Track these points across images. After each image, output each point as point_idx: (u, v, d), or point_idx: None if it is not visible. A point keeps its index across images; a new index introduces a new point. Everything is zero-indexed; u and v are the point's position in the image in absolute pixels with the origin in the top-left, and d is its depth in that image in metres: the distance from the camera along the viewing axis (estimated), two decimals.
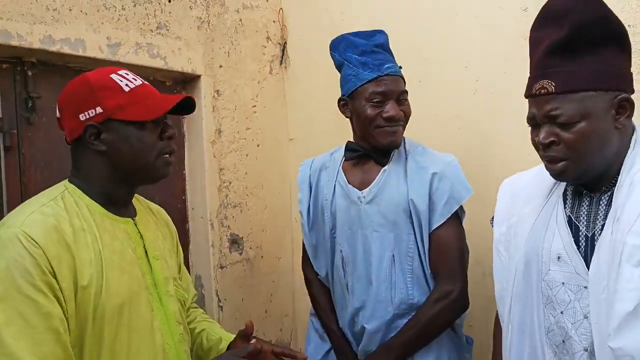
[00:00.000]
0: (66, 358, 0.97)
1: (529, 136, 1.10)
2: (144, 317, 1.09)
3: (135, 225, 1.16)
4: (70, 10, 1.66)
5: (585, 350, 1.01)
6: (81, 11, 1.69)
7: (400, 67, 1.57)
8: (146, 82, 1.15)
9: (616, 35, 1.00)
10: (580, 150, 0.99)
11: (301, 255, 1.78)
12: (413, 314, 1.48)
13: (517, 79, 1.69)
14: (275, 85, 2.41)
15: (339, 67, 1.62)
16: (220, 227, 2.14)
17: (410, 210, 1.48)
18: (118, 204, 1.14)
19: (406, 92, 1.54)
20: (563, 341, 1.04)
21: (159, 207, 1.35)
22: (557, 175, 1.05)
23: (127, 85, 1.09)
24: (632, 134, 1.03)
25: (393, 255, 1.49)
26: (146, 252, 1.15)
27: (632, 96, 1.04)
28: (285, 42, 2.44)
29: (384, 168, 1.55)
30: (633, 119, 1.06)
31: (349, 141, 1.63)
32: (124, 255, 1.09)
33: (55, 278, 0.97)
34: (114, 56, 1.77)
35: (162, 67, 1.93)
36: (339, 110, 1.62)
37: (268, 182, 2.33)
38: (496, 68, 1.82)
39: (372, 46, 1.52)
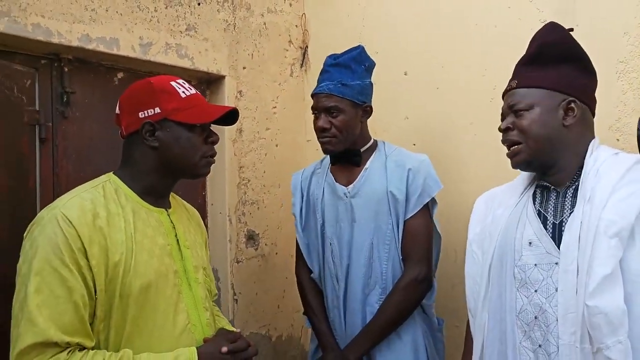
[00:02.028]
0: (83, 330, 1.06)
1: None
2: (169, 298, 1.18)
3: (169, 216, 1.26)
4: (107, 10, 1.74)
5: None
6: (117, 12, 1.77)
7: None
8: (198, 92, 1.28)
9: (574, 56, 1.24)
10: (529, 134, 1.20)
11: (295, 260, 1.91)
12: (381, 290, 1.66)
13: None
14: (295, 87, 2.48)
15: None
16: (238, 223, 2.22)
17: (389, 201, 1.66)
18: (156, 195, 1.25)
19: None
20: (536, 317, 1.17)
21: (193, 208, 1.46)
22: (512, 157, 1.25)
23: (183, 92, 1.23)
24: (590, 141, 1.23)
25: (372, 243, 1.67)
26: (177, 240, 1.24)
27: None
28: (307, 46, 2.51)
29: (365, 166, 1.74)
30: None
31: None
32: (155, 240, 1.18)
33: (86, 256, 1.07)
34: (145, 55, 1.85)
35: (189, 67, 2.01)
36: None
37: (285, 181, 2.39)
38: None
39: (327, 65, 1.73)
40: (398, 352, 1.64)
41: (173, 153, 1.21)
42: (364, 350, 1.62)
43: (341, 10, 2.39)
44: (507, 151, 1.28)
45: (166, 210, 1.27)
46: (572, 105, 1.20)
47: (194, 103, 1.24)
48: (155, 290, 1.14)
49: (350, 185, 1.73)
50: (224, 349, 1.17)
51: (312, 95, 1.72)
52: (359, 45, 1.80)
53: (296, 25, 2.48)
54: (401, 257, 1.68)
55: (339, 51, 2.29)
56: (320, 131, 1.68)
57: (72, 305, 1.04)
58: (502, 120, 1.29)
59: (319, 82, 1.73)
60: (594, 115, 1.27)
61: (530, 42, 1.30)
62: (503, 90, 1.88)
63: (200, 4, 2.05)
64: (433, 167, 1.74)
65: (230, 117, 1.30)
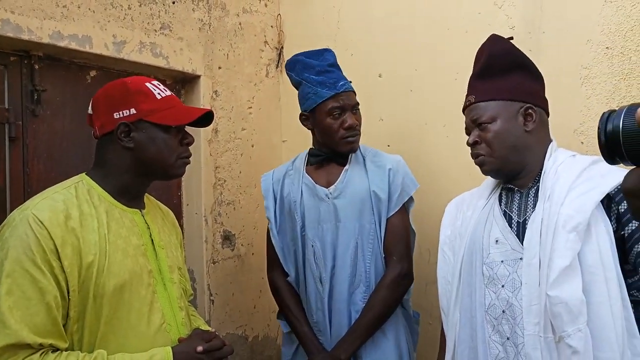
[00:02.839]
0: (55, 332, 1.05)
1: None
2: (144, 298, 1.17)
3: (143, 216, 1.26)
4: (79, 7, 1.71)
5: None
6: (89, 9, 1.75)
7: (350, 82, 1.77)
8: (173, 94, 1.28)
9: (521, 64, 1.32)
10: (495, 145, 1.27)
11: (267, 262, 1.90)
12: (365, 288, 1.69)
13: None
14: (270, 88, 2.48)
15: (296, 85, 1.83)
16: (214, 223, 2.21)
17: (371, 201, 1.71)
18: (130, 195, 1.24)
19: (358, 103, 1.76)
20: (503, 311, 1.23)
21: (168, 208, 1.45)
22: (481, 166, 1.33)
23: (159, 93, 1.23)
24: (549, 144, 1.30)
25: (357, 242, 1.70)
26: (152, 240, 1.24)
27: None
28: (282, 47, 2.52)
29: (345, 168, 1.77)
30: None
31: (311, 148, 1.85)
32: (129, 240, 1.18)
33: (58, 257, 1.06)
34: (118, 54, 1.83)
35: (164, 66, 1.99)
36: None
37: (260, 181, 2.40)
38: None
39: (325, 66, 1.74)
40: (384, 348, 1.68)
41: (148, 154, 1.21)
42: (354, 349, 1.64)
43: (316, 12, 2.41)
44: (472, 155, 1.35)
45: (140, 210, 1.26)
46: (530, 110, 1.28)
47: (170, 104, 1.24)
48: (129, 290, 1.14)
49: (332, 187, 1.74)
50: (199, 348, 1.18)
51: (332, 96, 1.68)
52: (329, 49, 1.83)
53: (272, 26, 2.49)
54: (383, 255, 1.72)
55: None
56: (350, 129, 1.70)
57: (45, 306, 1.03)
58: (468, 134, 1.35)
59: (329, 81, 1.69)
60: (548, 115, 1.35)
61: (478, 55, 1.38)
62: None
63: (175, 3, 2.04)
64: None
65: (205, 118, 1.31)
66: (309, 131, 1.87)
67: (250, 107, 2.38)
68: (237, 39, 2.31)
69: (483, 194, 1.39)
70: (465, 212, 1.40)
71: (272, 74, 2.49)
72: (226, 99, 2.26)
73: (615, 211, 1.13)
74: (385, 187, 1.71)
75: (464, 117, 1.38)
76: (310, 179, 1.78)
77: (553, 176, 1.21)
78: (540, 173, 1.26)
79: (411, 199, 1.78)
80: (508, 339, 1.21)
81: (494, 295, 1.25)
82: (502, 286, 1.23)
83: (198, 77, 2.14)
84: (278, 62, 2.52)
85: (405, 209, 1.76)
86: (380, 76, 2.22)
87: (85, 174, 1.23)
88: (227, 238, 2.27)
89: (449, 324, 1.38)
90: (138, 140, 1.20)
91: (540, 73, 1.35)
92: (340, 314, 1.69)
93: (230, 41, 2.27)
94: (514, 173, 1.30)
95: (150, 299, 1.18)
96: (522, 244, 1.21)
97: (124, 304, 1.13)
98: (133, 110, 1.19)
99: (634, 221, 1.11)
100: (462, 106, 1.97)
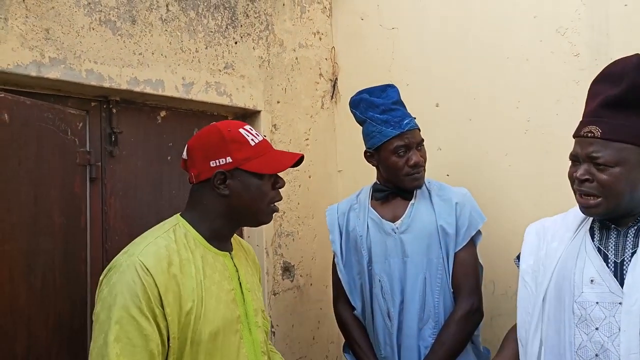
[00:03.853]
0: None
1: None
2: (233, 344, 1.20)
3: (232, 259, 1.29)
4: (153, 54, 1.81)
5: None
6: (162, 54, 1.84)
7: (415, 118, 1.78)
8: (265, 137, 1.33)
9: None
10: (611, 190, 1.16)
11: (332, 295, 1.91)
12: (434, 323, 1.68)
13: (567, 121, 1.80)
14: (325, 119, 2.53)
15: (360, 123, 1.83)
16: (274, 255, 2.24)
17: (439, 235, 1.70)
18: (221, 239, 1.28)
19: (422, 140, 1.78)
20: (596, 355, 1.18)
21: (249, 245, 1.48)
22: (587, 209, 1.21)
23: (252, 140, 1.26)
24: None
25: (425, 277, 1.70)
26: (240, 284, 1.27)
27: None
28: (337, 79, 2.57)
29: (411, 202, 1.77)
30: None
31: (375, 183, 1.86)
32: (221, 286, 1.21)
33: (162, 304, 1.10)
34: (187, 94, 1.91)
35: (227, 104, 2.06)
36: None
37: (318, 212, 2.43)
38: (547, 110, 1.90)
39: (390, 104, 1.74)
40: None
41: (243, 200, 1.24)
42: None
43: (370, 43, 2.45)
44: (562, 191, 1.27)
45: (229, 253, 1.30)
46: None
47: (263, 151, 1.27)
48: (222, 336, 1.17)
49: (398, 221, 1.75)
50: None
51: (397, 135, 1.69)
52: (392, 84, 1.84)
53: (326, 59, 2.54)
54: (452, 290, 1.71)
55: (368, 83, 2.35)
56: (416, 166, 1.71)
57: (148, 354, 1.07)
58: (573, 161, 1.24)
59: (394, 120, 1.71)
60: None
61: (613, 76, 1.20)
62: (539, 122, 1.92)
63: (237, 43, 2.12)
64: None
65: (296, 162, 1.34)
66: (364, 160, 1.89)
67: (307, 139, 2.43)
68: (294, 73, 2.37)
69: (570, 226, 1.32)
70: (550, 243, 1.33)
71: (327, 105, 2.54)
72: (284, 132, 2.31)
73: None
74: (453, 222, 1.71)
75: (574, 142, 1.23)
76: (376, 213, 1.79)
77: None
78: None
79: (479, 232, 1.77)
80: None
81: (586, 337, 1.21)
82: (596, 329, 1.19)
83: (259, 112, 2.20)
84: (333, 94, 2.56)
85: (473, 242, 1.75)
86: (437, 105, 2.23)
87: (180, 215, 1.27)
88: (287, 269, 2.30)
89: (527, 356, 1.33)
90: (233, 187, 1.23)
91: None
92: (409, 349, 1.68)
93: (287, 76, 2.34)
94: (618, 217, 1.23)
95: (237, 345, 1.21)
96: (622, 287, 1.16)
97: (217, 351, 1.16)
98: (229, 159, 1.22)
99: None
100: (524, 135, 1.97)
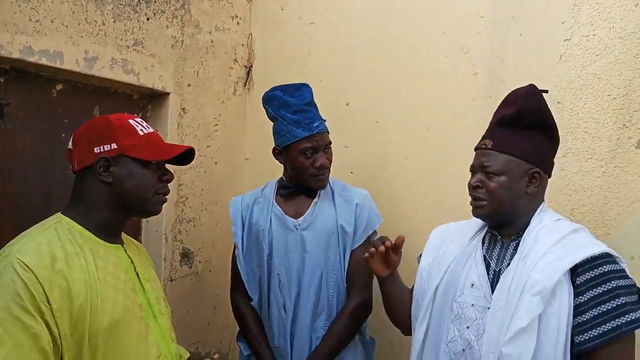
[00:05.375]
0: None
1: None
2: (138, 332, 1.18)
3: (125, 251, 1.26)
4: (52, 22, 1.66)
5: None
6: (62, 23, 1.70)
7: (325, 120, 1.84)
8: (156, 131, 1.29)
9: (546, 126, 1.36)
10: (495, 196, 1.32)
11: (230, 285, 1.94)
12: (326, 316, 1.78)
13: (463, 133, 1.95)
14: (237, 106, 2.50)
15: (272, 119, 1.87)
16: (174, 241, 2.20)
17: (338, 234, 1.79)
18: (110, 231, 1.24)
19: (330, 142, 1.84)
20: (463, 350, 1.32)
21: (140, 243, 1.46)
22: (474, 209, 1.38)
23: (142, 130, 1.24)
24: (541, 203, 1.37)
25: (322, 273, 1.78)
26: (137, 275, 1.25)
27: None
28: (251, 66, 2.54)
29: (314, 200, 1.84)
30: None
31: (281, 178, 1.90)
32: (117, 276, 1.18)
33: (48, 300, 1.04)
34: (90, 70, 1.79)
35: (135, 83, 1.96)
36: None
37: (222, 199, 2.41)
38: (446, 121, 2.03)
39: (302, 105, 1.78)
40: None
41: (126, 188, 1.21)
42: None
43: (288, 35, 2.45)
44: (455, 196, 1.40)
45: (122, 246, 1.26)
46: (536, 174, 1.33)
47: (152, 141, 1.25)
48: (124, 326, 1.14)
49: (301, 218, 1.81)
50: None
51: (306, 137, 1.74)
52: (307, 84, 1.87)
53: (242, 45, 2.50)
54: (345, 285, 1.80)
55: (283, 73, 2.36)
56: (322, 168, 1.77)
57: (40, 352, 1.01)
58: (472, 172, 1.39)
59: (304, 121, 1.75)
60: (550, 177, 1.40)
61: (508, 101, 1.38)
62: (438, 131, 2.05)
63: (150, 19, 2.01)
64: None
65: (186, 157, 1.32)
66: (272, 151, 1.92)
67: (217, 125, 2.38)
68: (208, 57, 2.31)
69: (469, 232, 1.46)
70: (448, 245, 1.47)
71: (240, 92, 2.51)
72: (193, 117, 2.25)
73: (573, 282, 1.23)
74: (352, 221, 1.80)
75: (474, 155, 1.40)
76: (280, 209, 1.83)
77: (534, 237, 1.29)
78: (525, 228, 1.33)
79: (375, 232, 1.87)
80: None
81: (457, 333, 1.34)
82: (467, 327, 1.33)
83: (167, 94, 2.12)
84: (246, 81, 2.53)
85: (369, 241, 1.84)
86: (347, 104, 2.29)
87: (61, 213, 1.21)
88: (186, 255, 2.27)
89: (414, 341, 1.48)
90: (117, 174, 1.20)
91: (558, 137, 1.39)
92: (302, 340, 1.76)
93: (201, 58, 2.27)
94: (502, 223, 1.37)
95: (145, 333, 1.19)
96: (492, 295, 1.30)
97: (120, 340, 1.13)
98: (114, 145, 1.19)
99: (581, 296, 1.22)
100: (424, 142, 2.10)
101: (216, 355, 1.31)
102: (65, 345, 1.06)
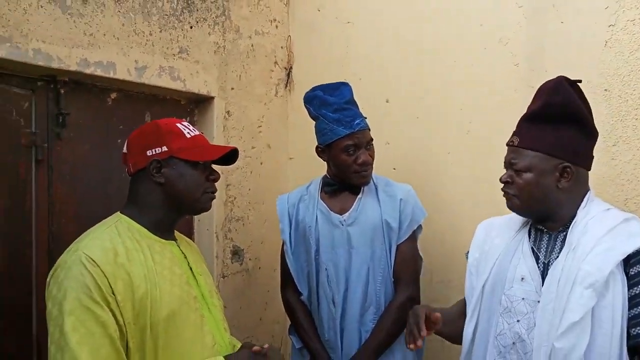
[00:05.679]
0: None
1: None
2: (195, 323, 1.26)
3: (179, 247, 1.34)
4: (104, 35, 1.77)
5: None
6: (113, 36, 1.80)
7: (366, 118, 1.86)
8: (202, 134, 1.37)
9: (577, 119, 1.32)
10: (523, 192, 1.32)
11: (280, 281, 1.99)
12: (375, 310, 1.80)
13: (504, 126, 1.92)
14: (279, 107, 2.56)
15: (313, 118, 1.90)
16: (224, 239, 2.29)
17: (383, 229, 1.80)
18: (164, 229, 1.32)
19: (372, 139, 1.86)
20: (513, 343, 1.32)
21: (191, 240, 1.55)
22: (508, 204, 1.38)
23: (188, 133, 1.32)
24: (585, 195, 1.34)
25: (368, 267, 1.80)
26: (191, 269, 1.33)
27: None
28: (291, 67, 2.59)
29: (358, 196, 1.86)
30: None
31: (325, 176, 1.93)
32: (172, 270, 1.26)
33: (113, 292, 1.13)
34: (139, 78, 1.89)
35: (181, 89, 2.06)
36: None
37: (268, 198, 2.48)
38: (488, 114, 2.02)
39: (342, 103, 1.81)
40: None
41: (177, 188, 1.29)
42: None
43: (325, 35, 2.49)
44: (498, 190, 1.40)
45: (175, 242, 1.34)
46: (567, 169, 1.29)
47: (198, 143, 1.33)
48: (181, 316, 1.22)
49: (346, 214, 1.84)
50: (256, 348, 1.27)
51: (347, 134, 1.77)
52: (346, 83, 1.90)
53: (281, 47, 2.56)
54: (392, 279, 1.83)
55: (322, 73, 2.40)
56: (364, 165, 1.79)
57: (108, 339, 1.10)
58: (505, 168, 1.39)
59: (345, 119, 1.78)
60: (589, 169, 1.36)
61: (536, 95, 1.37)
62: (480, 124, 2.04)
63: (193, 27, 2.10)
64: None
65: (231, 157, 1.39)
66: (315, 149, 1.96)
67: (260, 126, 2.45)
68: (249, 61, 2.38)
69: (514, 225, 1.45)
70: (494, 239, 1.46)
71: (281, 93, 2.57)
72: (237, 119, 2.33)
73: (626, 272, 1.21)
74: (397, 216, 1.82)
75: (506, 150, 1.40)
76: (325, 205, 1.87)
77: (582, 228, 1.27)
78: (572, 220, 1.31)
79: (419, 226, 1.88)
80: None
81: (507, 326, 1.34)
82: (517, 321, 1.32)
83: (212, 98, 2.21)
84: (287, 82, 2.59)
85: (414, 235, 1.87)
86: (387, 101, 2.31)
87: (120, 212, 1.30)
88: (236, 253, 2.35)
89: (464, 336, 1.46)
90: (168, 175, 1.28)
91: (594, 129, 1.35)
92: (351, 333, 1.79)
93: (242, 62, 2.34)
94: (539, 218, 1.36)
95: (200, 323, 1.27)
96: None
97: (178, 330, 1.21)
98: (165, 148, 1.27)
99: (635, 287, 1.19)
100: (465, 136, 2.09)
101: (266, 345, 1.37)
102: (130, 333, 1.15)
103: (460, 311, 1.53)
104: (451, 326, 1.50)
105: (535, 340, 1.26)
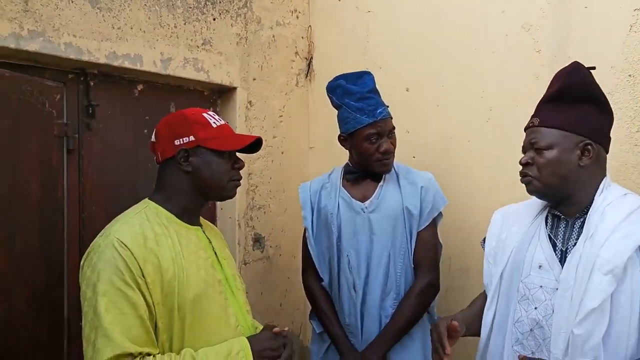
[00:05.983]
0: (149, 340, 1.19)
1: None
2: (219, 304, 1.32)
3: (204, 232, 1.40)
4: (132, 28, 1.83)
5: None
6: (140, 29, 1.86)
7: (388, 106, 1.88)
8: (227, 123, 1.42)
9: (594, 98, 1.34)
10: (545, 171, 1.32)
11: (301, 267, 2.03)
12: (395, 295, 1.83)
13: (525, 112, 1.92)
14: (300, 97, 2.59)
15: (336, 107, 1.92)
16: (246, 227, 2.34)
17: (404, 216, 1.84)
18: (190, 215, 1.37)
19: (394, 127, 1.88)
20: (531, 329, 1.33)
21: (215, 226, 1.61)
22: (527, 186, 1.38)
23: (214, 122, 1.36)
24: (602, 179, 1.35)
25: (389, 254, 1.82)
26: (215, 253, 1.39)
27: None
28: (312, 57, 2.62)
29: (380, 184, 1.89)
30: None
31: (347, 164, 1.96)
32: (198, 254, 1.32)
33: (143, 274, 1.19)
34: (165, 70, 1.94)
35: (204, 80, 2.10)
36: None
37: (289, 186, 2.52)
38: (508, 101, 2.02)
39: (365, 92, 1.83)
40: (411, 351, 1.83)
41: (204, 176, 1.34)
42: (384, 351, 1.78)
43: (346, 25, 2.51)
44: (518, 177, 1.40)
45: (201, 227, 1.40)
46: (589, 147, 1.30)
47: (224, 133, 1.37)
48: (206, 298, 1.28)
49: (367, 201, 1.87)
50: (276, 329, 1.34)
51: (370, 123, 1.79)
52: (369, 72, 1.92)
53: (302, 37, 2.59)
54: (413, 266, 1.86)
55: (343, 63, 2.42)
56: (386, 153, 1.82)
57: (139, 319, 1.16)
58: (523, 153, 1.40)
59: (368, 108, 1.80)
60: (607, 152, 1.37)
61: (554, 79, 1.39)
62: (501, 112, 2.04)
63: (216, 19, 2.14)
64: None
65: (255, 145, 1.43)
66: (335, 138, 1.99)
67: (281, 116, 2.49)
68: (270, 51, 2.41)
69: (530, 212, 1.45)
70: (511, 227, 1.47)
71: (302, 83, 2.60)
72: (259, 109, 2.37)
73: None
74: (418, 204, 1.85)
75: (525, 135, 1.42)
76: (347, 193, 1.90)
77: (600, 215, 1.27)
78: (589, 206, 1.31)
79: (440, 214, 1.91)
80: (533, 353, 1.33)
81: (525, 313, 1.35)
82: (535, 308, 1.33)
83: (234, 88, 2.25)
84: (308, 72, 2.62)
85: (434, 223, 1.89)
86: (407, 90, 2.32)
87: (149, 199, 1.36)
88: (258, 240, 2.41)
89: (484, 324, 1.48)
90: (195, 164, 1.33)
91: (610, 109, 1.37)
92: (371, 318, 1.83)
93: (264, 53, 2.38)
94: (558, 200, 1.36)
95: (224, 305, 1.33)
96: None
97: (204, 311, 1.27)
98: (192, 138, 1.32)
99: None
100: (486, 124, 2.10)
101: (286, 328, 1.42)
102: (159, 313, 1.21)
103: (482, 308, 1.53)
104: (474, 327, 1.50)
105: (554, 326, 1.27)
